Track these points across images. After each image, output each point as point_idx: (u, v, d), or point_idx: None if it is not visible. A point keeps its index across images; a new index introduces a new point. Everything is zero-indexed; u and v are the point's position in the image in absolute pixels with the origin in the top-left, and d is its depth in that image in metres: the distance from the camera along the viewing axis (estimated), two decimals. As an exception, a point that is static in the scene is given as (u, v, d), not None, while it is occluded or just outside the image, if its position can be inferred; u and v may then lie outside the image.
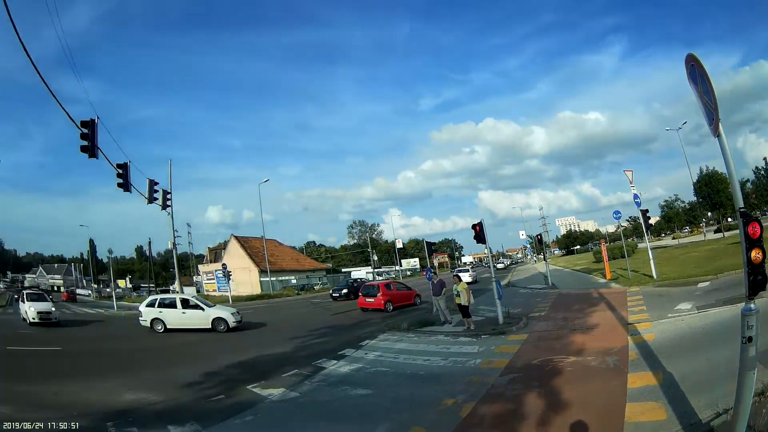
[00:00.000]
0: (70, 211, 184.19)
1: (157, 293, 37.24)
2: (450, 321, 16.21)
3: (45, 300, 25.46)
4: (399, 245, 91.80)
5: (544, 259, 35.54)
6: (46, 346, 16.20)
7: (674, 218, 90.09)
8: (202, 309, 19.71)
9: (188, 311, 19.63)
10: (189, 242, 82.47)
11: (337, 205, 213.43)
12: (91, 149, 15.52)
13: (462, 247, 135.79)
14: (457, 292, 15.08)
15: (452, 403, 7.43)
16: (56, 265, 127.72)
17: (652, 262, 22.18)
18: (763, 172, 58.47)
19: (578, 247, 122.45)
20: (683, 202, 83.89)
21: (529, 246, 57.78)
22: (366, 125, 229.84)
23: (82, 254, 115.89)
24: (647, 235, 26.80)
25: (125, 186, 19.86)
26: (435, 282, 17.31)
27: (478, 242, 16.23)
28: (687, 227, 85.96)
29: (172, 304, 19.91)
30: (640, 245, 52.54)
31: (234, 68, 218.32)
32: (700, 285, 16.72)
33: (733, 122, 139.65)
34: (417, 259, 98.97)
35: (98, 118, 15.79)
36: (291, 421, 7.39)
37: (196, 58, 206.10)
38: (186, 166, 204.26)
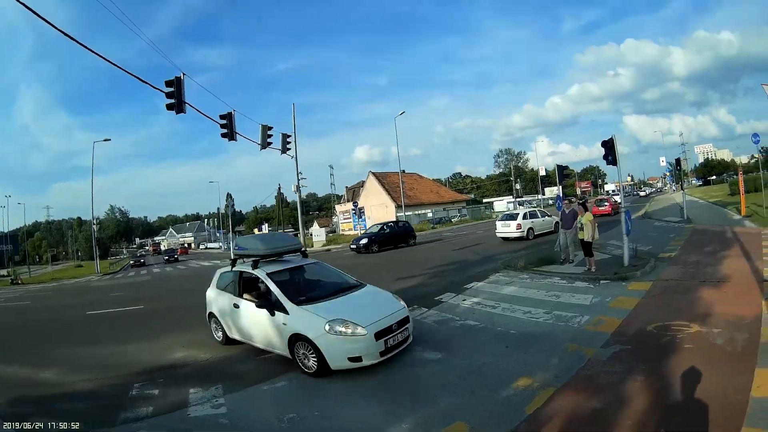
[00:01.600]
0: (209, 172, 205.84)
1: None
2: (572, 260, 13.90)
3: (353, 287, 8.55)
4: (542, 172, 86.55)
5: (682, 188, 31.11)
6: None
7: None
8: (550, 216, 25.46)
9: (545, 219, 25.42)
10: (331, 184, 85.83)
11: (487, 134, 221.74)
12: (177, 105, 16.03)
13: (605, 175, 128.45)
14: (581, 224, 12.68)
15: (526, 386, 5.57)
16: (188, 223, 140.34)
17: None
18: None
19: (714, 177, 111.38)
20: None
21: (669, 174, 52.30)
22: (510, 52, 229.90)
23: (219, 209, 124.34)
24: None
25: (230, 135, 21.05)
26: (567, 212, 14.51)
27: (608, 163, 13.25)
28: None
29: (534, 215, 25.36)
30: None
31: (372, 8, 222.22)
32: None
33: None
34: (560, 187, 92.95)
35: (184, 75, 16.28)
36: (328, 392, 6.35)
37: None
38: (333, 110, 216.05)
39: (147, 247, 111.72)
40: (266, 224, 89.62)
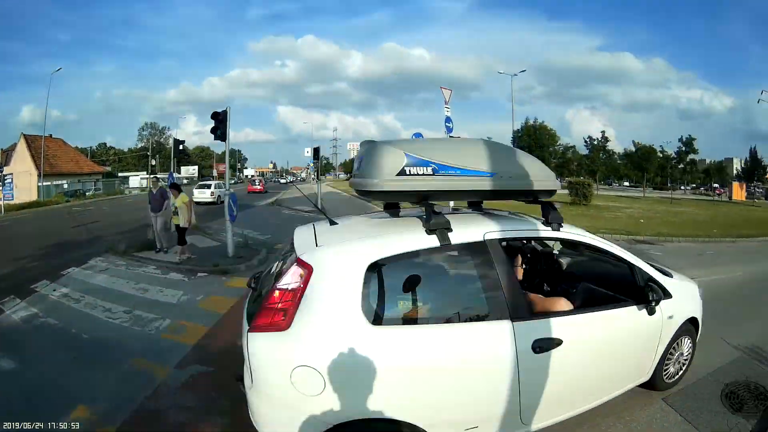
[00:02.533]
0: None
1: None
2: (165, 249, 12.39)
3: None
4: (180, 149, 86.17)
5: (317, 179, 35.03)
6: None
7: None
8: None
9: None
10: (-5, 146, 69.57)
11: (140, 107, 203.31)
12: None
13: (246, 159, 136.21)
14: (175, 208, 11.60)
15: (84, 419, 4.28)
16: None
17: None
18: (596, 142, 56.37)
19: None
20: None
21: (312, 165, 55.78)
22: (187, 26, 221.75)
23: None
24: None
25: None
26: (155, 193, 12.82)
27: (216, 137, 12.47)
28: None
29: (221, 186, 30.37)
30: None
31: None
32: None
33: (571, 95, 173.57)
34: (196, 167, 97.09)
35: None
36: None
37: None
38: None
39: None
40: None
